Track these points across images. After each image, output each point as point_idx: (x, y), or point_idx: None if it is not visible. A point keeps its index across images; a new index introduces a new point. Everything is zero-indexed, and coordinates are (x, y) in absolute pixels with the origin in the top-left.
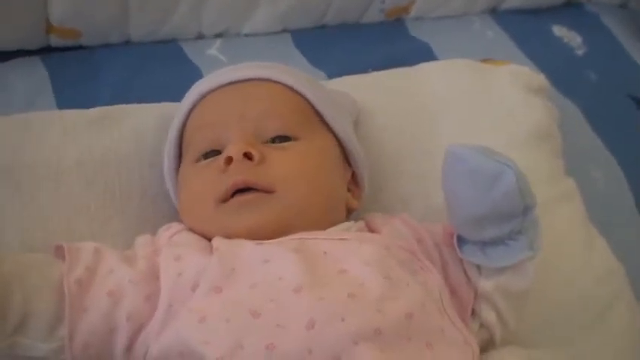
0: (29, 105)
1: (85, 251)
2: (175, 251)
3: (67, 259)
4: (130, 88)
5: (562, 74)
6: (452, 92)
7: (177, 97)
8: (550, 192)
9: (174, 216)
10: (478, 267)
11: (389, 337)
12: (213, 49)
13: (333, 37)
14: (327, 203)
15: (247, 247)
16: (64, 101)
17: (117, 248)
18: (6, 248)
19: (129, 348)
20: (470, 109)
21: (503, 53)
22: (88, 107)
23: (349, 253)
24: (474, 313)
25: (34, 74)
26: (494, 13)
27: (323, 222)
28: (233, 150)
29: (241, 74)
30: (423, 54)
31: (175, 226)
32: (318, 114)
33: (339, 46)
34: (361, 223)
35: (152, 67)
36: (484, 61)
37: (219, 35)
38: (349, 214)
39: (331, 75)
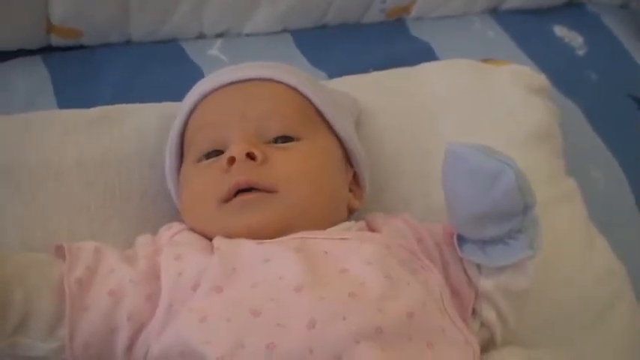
0: (30, 105)
1: (86, 251)
2: (176, 251)
3: (68, 258)
4: (130, 87)
5: (563, 74)
6: (452, 92)
7: (178, 96)
8: (550, 192)
9: (175, 216)
10: (478, 266)
11: (390, 337)
12: (214, 49)
13: (333, 37)
14: (330, 203)
15: (248, 246)
16: (65, 101)
17: (117, 248)
18: (6, 248)
19: (129, 348)
20: (470, 109)
21: (503, 53)
22: (88, 107)
23: (350, 252)
24: (474, 312)
25: (35, 74)
26: (495, 13)
27: (325, 222)
28: (236, 150)
29: (243, 74)
30: (423, 54)
31: (176, 226)
32: (319, 114)
33: (339, 46)
34: (362, 223)
35: (153, 67)
36: (485, 61)
37: (220, 35)
38: (351, 214)
39: (332, 75)
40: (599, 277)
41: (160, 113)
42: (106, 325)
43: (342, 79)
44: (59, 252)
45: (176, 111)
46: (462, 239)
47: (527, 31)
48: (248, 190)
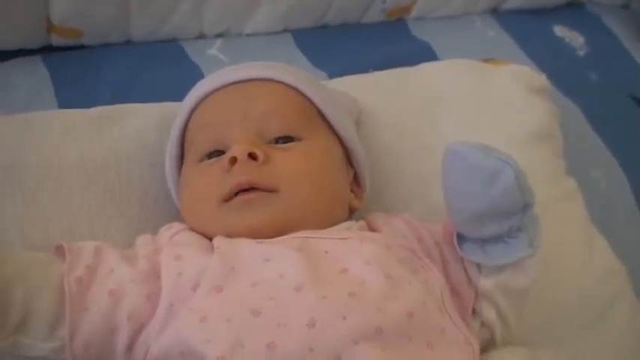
0: (30, 104)
1: (86, 250)
2: (176, 250)
3: (68, 258)
4: (130, 87)
5: (563, 74)
6: (453, 92)
7: (178, 96)
8: (551, 192)
9: (175, 216)
10: (478, 265)
11: (390, 336)
12: (214, 49)
13: (334, 37)
14: (331, 203)
15: (248, 246)
16: (65, 101)
17: (117, 248)
18: (6, 248)
19: (129, 347)
20: (471, 108)
21: (504, 53)
22: (88, 107)
23: (350, 252)
24: (474, 312)
25: (35, 74)
26: (495, 13)
27: (326, 222)
28: (237, 150)
29: (244, 74)
30: (424, 54)
31: (176, 226)
32: (320, 114)
33: (340, 46)
34: (362, 223)
35: (153, 67)
36: (485, 61)
37: (220, 35)
38: (351, 214)
39: (332, 75)
40: (599, 277)
41: (160, 113)
42: (106, 324)
43: (343, 79)
44: (59, 252)
45: (176, 111)
46: (461, 238)
47: (527, 31)
48: (249, 189)
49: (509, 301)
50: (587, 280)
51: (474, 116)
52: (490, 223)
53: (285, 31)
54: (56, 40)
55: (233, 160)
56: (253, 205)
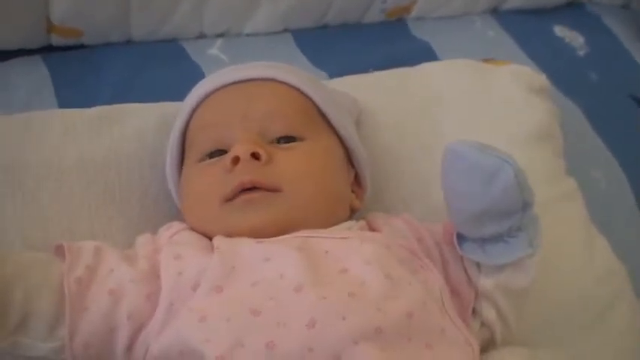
0: (30, 104)
1: (86, 250)
2: (176, 250)
3: (68, 258)
4: (131, 87)
5: (563, 74)
6: (453, 92)
7: (178, 96)
8: (551, 192)
9: (175, 216)
10: (478, 265)
11: (389, 337)
12: (215, 49)
13: (334, 36)
14: (333, 203)
15: (248, 245)
16: (65, 100)
17: (117, 248)
18: (6, 248)
19: (129, 347)
20: (471, 108)
21: (504, 53)
22: (88, 106)
23: (350, 251)
24: (474, 312)
25: (35, 73)
26: (495, 13)
27: (327, 222)
28: (240, 150)
29: (245, 74)
30: (424, 54)
31: (176, 226)
32: (321, 114)
33: (340, 46)
34: (362, 223)
35: (153, 67)
36: (485, 61)
37: (220, 35)
38: (352, 214)
39: (332, 75)
40: (599, 277)
41: (160, 113)
42: (106, 324)
43: (343, 79)
44: (59, 252)
45: (176, 111)
46: (461, 238)
47: (527, 31)
48: (251, 189)
49: (509, 301)
50: (587, 280)
51: (474, 116)
52: (490, 223)
53: (286, 31)
54: (56, 39)
55: (236, 160)
56: (256, 204)
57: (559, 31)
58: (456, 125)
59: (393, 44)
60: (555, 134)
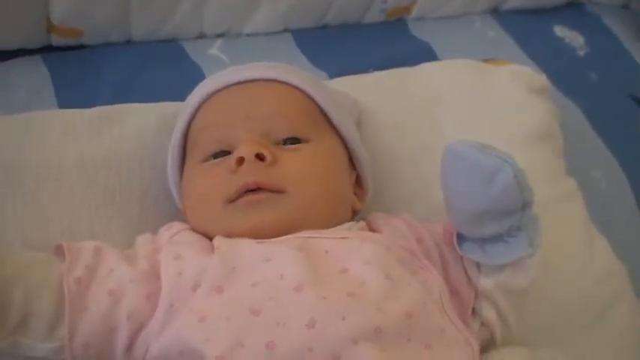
0: (30, 104)
1: (86, 250)
2: (176, 250)
3: (67, 258)
4: (131, 87)
5: (563, 74)
6: (453, 92)
7: (178, 96)
8: (551, 192)
9: (175, 216)
10: (478, 265)
11: (389, 337)
12: (215, 49)
13: (334, 37)
14: (336, 205)
15: (248, 245)
16: (65, 100)
17: (117, 248)
18: (6, 248)
19: (129, 347)
20: (471, 108)
21: (504, 53)
22: (89, 107)
23: (350, 251)
24: (474, 312)
25: (35, 73)
26: (495, 13)
27: (330, 223)
28: (245, 150)
29: (247, 74)
30: (424, 54)
31: (176, 226)
32: (324, 115)
33: (340, 46)
34: (362, 223)
35: (153, 67)
36: (485, 61)
37: (220, 35)
38: (353, 215)
39: (332, 75)
40: (599, 277)
41: (160, 113)
42: (106, 324)
43: (343, 79)
44: (59, 252)
45: (177, 111)
46: (461, 238)
47: (527, 31)
48: (255, 190)
49: (509, 301)
50: (587, 280)
51: (474, 116)
52: (490, 222)
53: (286, 31)
54: (56, 39)
55: (240, 161)
56: (260, 205)
57: (559, 31)
58: (456, 125)
59: (393, 44)
60: (555, 134)
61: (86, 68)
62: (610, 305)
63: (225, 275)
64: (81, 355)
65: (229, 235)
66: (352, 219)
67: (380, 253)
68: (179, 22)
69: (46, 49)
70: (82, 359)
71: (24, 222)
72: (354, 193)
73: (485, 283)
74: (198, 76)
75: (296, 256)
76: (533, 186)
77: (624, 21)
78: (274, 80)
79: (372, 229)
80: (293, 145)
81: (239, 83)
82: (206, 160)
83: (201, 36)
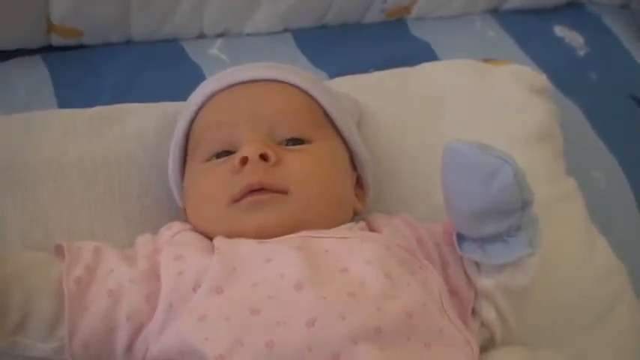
0: (30, 104)
1: (85, 250)
2: (176, 250)
3: (67, 258)
4: (131, 87)
5: (563, 74)
6: (453, 92)
7: (178, 96)
8: (550, 192)
9: (175, 215)
10: (478, 265)
11: (389, 336)
12: (215, 49)
13: (334, 36)
14: (337, 206)
15: (249, 246)
16: (65, 100)
17: (117, 248)
18: (6, 247)
19: (129, 347)
20: (471, 108)
21: (504, 53)
22: (88, 106)
23: (350, 251)
24: (474, 311)
25: (35, 73)
26: (495, 13)
27: (331, 224)
28: (249, 150)
29: (249, 74)
30: (424, 54)
31: (177, 226)
32: (326, 116)
33: (340, 46)
34: (362, 224)
35: (153, 67)
36: (485, 61)
37: (220, 35)
38: (354, 217)
39: (332, 75)
40: (599, 277)
41: (160, 113)
42: (106, 324)
43: (343, 79)
44: (59, 252)
45: (177, 111)
46: (461, 237)
47: (527, 31)
48: (259, 190)
49: (508, 300)
50: (587, 280)
51: (475, 116)
52: (489, 222)
53: (286, 30)
54: (56, 39)
55: (244, 161)
56: (263, 206)
57: (559, 31)
58: (456, 125)
59: (393, 44)
60: (555, 134)
61: (86, 68)
62: (610, 305)
63: (226, 276)
64: (81, 355)
65: (231, 235)
66: (353, 219)
67: (380, 253)
68: (179, 22)
69: (46, 49)
70: (82, 359)
71: (24, 222)
72: (355, 194)
73: (485, 283)
74: (198, 76)
75: (296, 256)
76: (533, 186)
77: (624, 21)
78: (277, 80)
79: (372, 229)
80: (296, 146)
81: (242, 83)
82: (209, 159)
83: (202, 36)
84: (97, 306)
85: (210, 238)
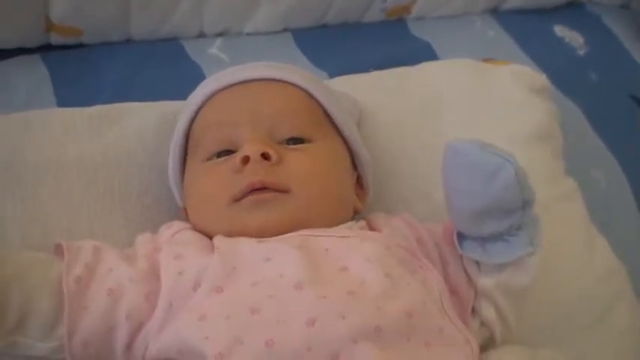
0: (29, 103)
1: (85, 250)
2: (176, 250)
3: (66, 257)
4: (130, 86)
5: (563, 74)
6: (453, 92)
7: (178, 95)
8: (550, 192)
9: (175, 215)
10: (478, 264)
11: (389, 336)
12: (215, 48)
13: (334, 36)
14: (338, 205)
15: (249, 245)
16: (65, 100)
17: (117, 247)
18: (6, 246)
19: (128, 346)
20: (471, 108)
21: (504, 53)
22: (88, 106)
23: (351, 250)
24: (473, 311)
25: (35, 72)
26: (495, 12)
27: (331, 223)
28: (250, 150)
29: (249, 74)
30: (424, 53)
31: (177, 225)
32: (327, 115)
33: (340, 46)
34: (362, 223)
35: (153, 66)
36: (485, 60)
37: (220, 34)
38: (354, 216)
39: (332, 74)
40: (599, 277)
41: (160, 112)
42: (105, 323)
43: (343, 79)
44: (58, 251)
45: (177, 110)
46: (461, 236)
47: (527, 31)
48: (260, 189)
49: (508, 300)
50: (587, 280)
51: (474, 116)
52: (490, 221)
53: (285, 30)
54: (55, 38)
55: (245, 160)
56: (266, 205)
57: (559, 30)
58: (456, 125)
59: (393, 44)
60: (555, 134)
61: (85, 67)
62: (610, 305)
63: (226, 275)
64: (80, 354)
65: (232, 234)
66: (353, 219)
67: (380, 252)
68: (179, 22)
69: (46, 48)
70: (82, 358)
71: (23, 221)
72: (355, 193)
73: (486, 282)
74: (197, 76)
75: (296, 255)
76: (533, 186)
77: (624, 21)
78: (277, 80)
79: (372, 229)
80: (296, 145)
81: (242, 83)
82: (209, 159)
83: (201, 35)
84: (97, 305)
85: (210, 237)
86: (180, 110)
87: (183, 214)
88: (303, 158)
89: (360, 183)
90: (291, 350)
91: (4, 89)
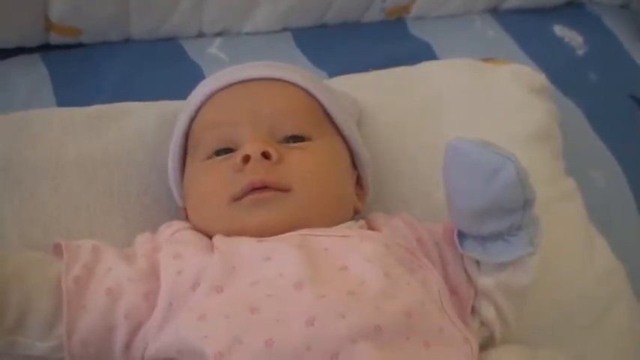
0: (29, 103)
1: (84, 249)
2: (175, 249)
3: (66, 257)
4: (130, 86)
5: (563, 74)
6: (452, 91)
7: (178, 95)
8: (550, 192)
9: (175, 214)
10: (478, 264)
11: (388, 335)
12: (214, 48)
13: (333, 36)
14: (338, 204)
15: (248, 244)
16: (64, 99)
17: (116, 246)
18: (5, 246)
19: (128, 346)
20: (470, 108)
21: (504, 53)
22: (88, 105)
23: (350, 249)
24: (473, 310)
25: (34, 72)
26: (495, 12)
27: (332, 222)
28: (251, 149)
29: (249, 73)
30: (423, 53)
31: (176, 224)
32: (327, 115)
33: (339, 45)
34: (362, 222)
35: (152, 66)
36: (485, 60)
37: (219, 34)
38: (354, 216)
39: (332, 74)
40: (599, 277)
41: (159, 112)
42: (104, 323)
43: (342, 78)
44: (57, 250)
45: (176, 110)
46: (462, 236)
47: (527, 31)
48: (261, 188)
49: (508, 300)
50: (587, 280)
51: (474, 116)
52: (491, 220)
53: (285, 30)
54: (55, 38)
55: (246, 159)
56: (267, 204)
57: (559, 30)
58: (455, 124)
59: (393, 44)
60: (555, 134)
61: (85, 67)
62: (609, 305)
63: (225, 274)
64: (79, 354)
65: (232, 234)
66: (353, 218)
67: (380, 252)
68: (178, 21)
69: (45, 48)
70: (81, 358)
71: (23, 221)
72: (355, 193)
73: (486, 281)
74: (197, 75)
75: (296, 255)
76: (533, 186)
77: (624, 21)
78: (277, 79)
79: (371, 228)
80: (297, 143)
81: (241, 82)
82: (209, 157)
83: (201, 35)
84: (96, 304)
85: (210, 237)
86: (180, 110)
87: (182, 214)
88: (303, 157)
89: (359, 183)
90: (290, 350)
91: (4, 89)
